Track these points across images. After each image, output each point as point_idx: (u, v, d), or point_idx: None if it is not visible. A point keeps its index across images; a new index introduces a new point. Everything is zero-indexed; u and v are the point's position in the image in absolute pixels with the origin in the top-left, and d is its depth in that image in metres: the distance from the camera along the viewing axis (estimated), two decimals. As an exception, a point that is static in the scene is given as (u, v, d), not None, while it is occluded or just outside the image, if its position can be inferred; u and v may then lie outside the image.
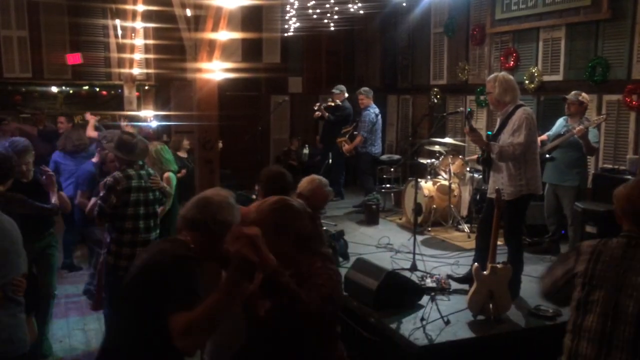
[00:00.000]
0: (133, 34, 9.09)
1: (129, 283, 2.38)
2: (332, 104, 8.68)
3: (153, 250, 2.46)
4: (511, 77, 4.77)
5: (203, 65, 3.71)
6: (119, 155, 4.43)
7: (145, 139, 4.81)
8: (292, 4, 9.03)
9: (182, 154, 7.63)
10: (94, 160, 5.63)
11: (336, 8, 8.93)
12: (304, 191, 3.77)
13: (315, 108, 8.79)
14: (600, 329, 2.28)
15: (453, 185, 7.12)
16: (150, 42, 9.89)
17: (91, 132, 7.16)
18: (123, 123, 7.55)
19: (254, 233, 2.12)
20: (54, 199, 4.32)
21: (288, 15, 9.73)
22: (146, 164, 4.63)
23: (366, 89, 8.44)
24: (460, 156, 7.50)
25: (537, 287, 2.68)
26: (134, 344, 2.29)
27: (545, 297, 2.69)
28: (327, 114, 8.66)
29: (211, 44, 3.65)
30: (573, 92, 5.80)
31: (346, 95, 8.68)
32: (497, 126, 4.83)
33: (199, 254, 2.36)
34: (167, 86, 10.46)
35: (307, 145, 11.08)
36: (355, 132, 8.40)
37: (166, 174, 5.36)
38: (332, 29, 10.10)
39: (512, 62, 7.78)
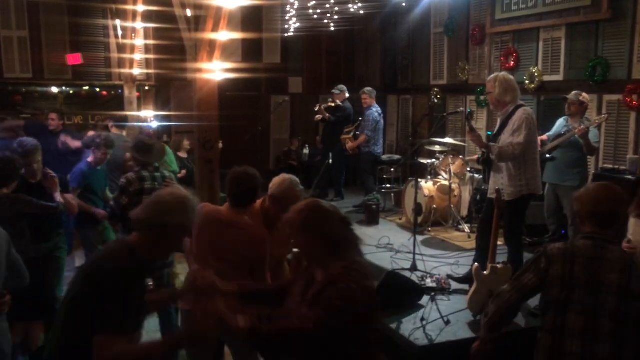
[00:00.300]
0: (133, 34, 9.09)
1: (69, 289, 2.27)
2: (332, 105, 8.68)
3: (95, 258, 2.33)
4: (511, 77, 4.78)
5: (203, 65, 3.71)
6: (136, 156, 4.42)
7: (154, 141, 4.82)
8: (292, 4, 9.03)
9: (183, 154, 7.65)
10: (89, 160, 5.65)
11: (336, 8, 8.94)
12: (276, 193, 3.58)
13: (316, 109, 8.78)
14: (582, 326, 2.42)
15: (453, 186, 7.12)
16: (151, 42, 9.89)
17: (73, 143, 7.05)
18: (110, 124, 7.52)
19: (219, 309, 2.12)
20: (58, 198, 4.32)
21: (288, 15, 9.73)
22: (161, 167, 4.61)
23: (370, 89, 8.48)
24: (460, 156, 7.50)
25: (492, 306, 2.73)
26: (57, 353, 2.18)
27: (494, 327, 2.79)
28: (327, 115, 8.66)
29: (211, 44, 3.65)
30: (574, 92, 5.80)
31: (347, 95, 8.68)
32: (497, 126, 4.83)
33: (146, 257, 2.23)
34: (167, 86, 10.47)
35: (307, 146, 11.09)
36: (357, 132, 8.42)
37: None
38: (332, 29, 10.10)
39: (512, 62, 7.78)
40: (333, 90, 8.73)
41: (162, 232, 2.21)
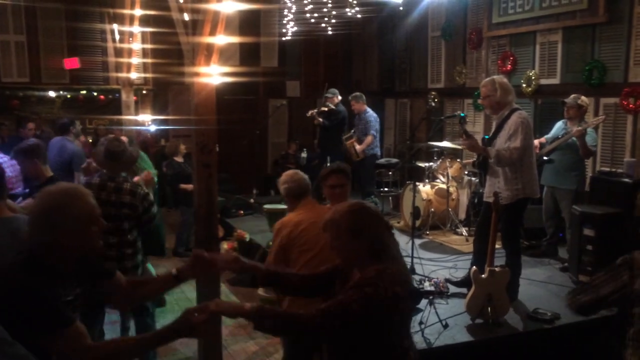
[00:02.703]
0: (131, 39, 9.07)
1: None
2: (326, 109, 8.65)
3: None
4: (505, 79, 4.80)
5: (201, 69, 3.70)
6: (105, 162, 4.16)
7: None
8: (289, 8, 9.04)
9: (179, 159, 7.64)
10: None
11: (334, 12, 8.95)
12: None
13: (308, 115, 8.78)
14: None
15: (451, 189, 7.12)
16: (148, 46, 9.89)
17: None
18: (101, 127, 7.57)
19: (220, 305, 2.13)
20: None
21: (286, 19, 9.74)
22: (130, 175, 4.44)
23: (356, 94, 8.45)
24: (458, 159, 7.51)
25: (567, 301, 2.62)
26: None
27: (582, 313, 2.63)
28: (321, 120, 8.62)
29: (209, 48, 3.64)
30: (572, 96, 5.81)
31: (339, 98, 8.66)
32: (492, 130, 4.83)
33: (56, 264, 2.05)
34: (165, 90, 10.47)
35: (305, 149, 11.08)
36: (356, 135, 8.40)
37: (146, 172, 5.30)
38: (330, 33, 10.11)
39: (509, 66, 7.80)
40: (326, 94, 8.66)
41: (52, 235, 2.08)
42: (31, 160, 4.09)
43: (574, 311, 2.61)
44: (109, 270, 2.37)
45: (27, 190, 4.54)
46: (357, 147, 8.31)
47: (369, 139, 8.22)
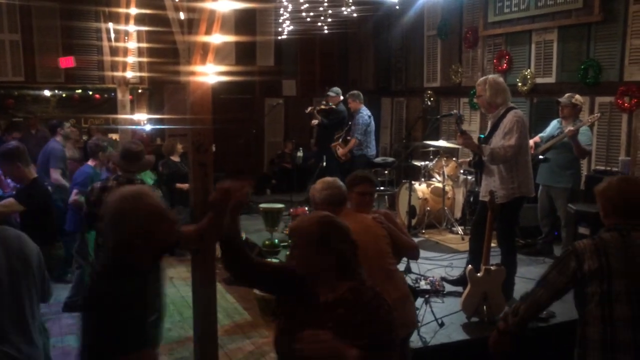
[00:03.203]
0: (126, 37, 9.04)
1: None
2: (325, 107, 8.61)
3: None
4: (501, 79, 4.79)
5: (197, 68, 3.70)
6: (121, 164, 4.26)
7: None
8: (285, 7, 9.04)
9: (175, 158, 7.62)
10: (92, 164, 5.67)
11: (330, 11, 8.95)
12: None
13: (307, 111, 8.74)
14: (632, 315, 2.45)
15: (447, 188, 7.13)
16: (144, 45, 9.87)
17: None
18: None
19: None
20: None
21: (282, 18, 9.73)
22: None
23: (354, 92, 8.33)
24: (454, 158, 7.52)
25: (527, 306, 2.70)
26: None
27: (540, 310, 2.77)
28: (320, 118, 8.59)
29: (205, 47, 3.64)
30: (566, 95, 5.82)
31: (341, 98, 8.60)
32: (488, 129, 4.84)
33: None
34: (160, 89, 10.46)
35: (301, 148, 11.08)
36: (348, 137, 8.35)
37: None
38: (326, 32, 10.11)
39: (505, 65, 7.81)
40: (329, 93, 8.57)
41: None
42: (13, 163, 4.07)
43: (516, 328, 2.74)
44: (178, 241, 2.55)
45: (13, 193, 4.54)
46: (340, 150, 8.20)
47: (351, 142, 8.07)
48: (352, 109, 8.25)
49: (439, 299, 4.70)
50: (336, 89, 8.63)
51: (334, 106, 8.51)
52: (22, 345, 2.59)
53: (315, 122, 8.70)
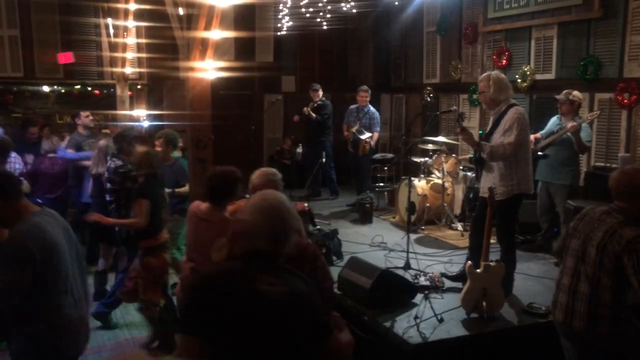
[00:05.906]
0: (125, 33, 9.04)
1: None
2: (315, 105, 8.87)
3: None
4: (503, 75, 4.78)
5: (196, 64, 3.70)
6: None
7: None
8: (285, 3, 9.01)
9: (178, 153, 7.61)
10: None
11: (329, 7, 8.93)
12: (256, 183, 3.45)
13: (306, 113, 8.88)
14: (573, 267, 3.21)
15: (446, 184, 7.13)
16: (143, 41, 9.84)
17: None
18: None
19: None
20: None
21: (281, 14, 9.71)
22: None
23: (365, 87, 8.73)
24: (453, 155, 7.52)
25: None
26: None
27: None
28: (315, 115, 8.80)
29: (204, 43, 3.64)
30: (563, 92, 5.82)
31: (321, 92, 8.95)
32: (489, 125, 4.84)
33: None
34: (159, 85, 10.41)
35: (299, 144, 11.07)
36: (362, 129, 8.52)
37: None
38: (325, 28, 10.09)
39: (504, 61, 7.80)
40: (314, 89, 8.95)
41: None
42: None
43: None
44: None
45: None
46: (366, 146, 8.41)
47: (375, 135, 8.52)
48: (364, 103, 8.50)
49: (438, 294, 4.70)
50: (315, 84, 9.02)
51: (319, 102, 8.73)
52: (86, 311, 3.02)
53: (297, 118, 8.98)
